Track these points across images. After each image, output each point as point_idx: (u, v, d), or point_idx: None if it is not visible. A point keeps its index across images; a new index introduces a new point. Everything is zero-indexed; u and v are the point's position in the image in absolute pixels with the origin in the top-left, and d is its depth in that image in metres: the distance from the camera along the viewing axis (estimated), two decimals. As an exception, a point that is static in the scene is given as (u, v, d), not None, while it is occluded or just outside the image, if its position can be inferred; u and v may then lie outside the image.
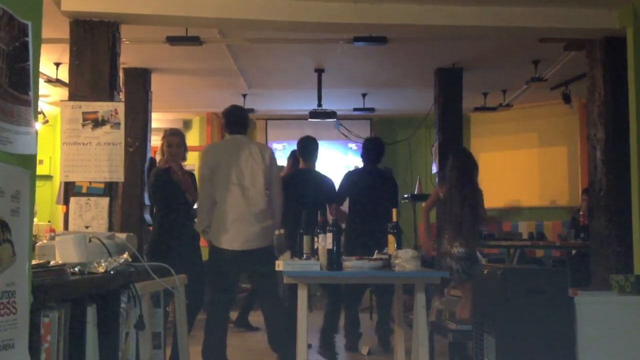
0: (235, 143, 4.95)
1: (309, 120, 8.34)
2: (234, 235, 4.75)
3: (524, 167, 9.79)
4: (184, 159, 5.47)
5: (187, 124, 10.56)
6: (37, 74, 1.84)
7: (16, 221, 1.68)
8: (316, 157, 6.05)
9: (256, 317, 6.78)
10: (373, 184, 6.15)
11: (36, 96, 1.84)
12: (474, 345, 3.93)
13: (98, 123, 4.96)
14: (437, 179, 7.66)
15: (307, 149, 6.02)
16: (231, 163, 4.83)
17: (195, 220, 5.16)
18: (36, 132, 1.81)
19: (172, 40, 6.11)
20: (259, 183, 4.84)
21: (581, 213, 7.51)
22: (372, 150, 6.31)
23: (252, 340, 6.74)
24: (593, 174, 5.68)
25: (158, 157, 5.73)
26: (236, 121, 5.12)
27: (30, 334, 1.72)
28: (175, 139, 5.40)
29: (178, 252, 4.98)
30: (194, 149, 10.35)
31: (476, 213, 5.39)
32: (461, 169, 5.52)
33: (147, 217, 6.80)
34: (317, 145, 6.06)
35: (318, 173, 6.07)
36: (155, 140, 8.67)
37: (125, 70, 7.29)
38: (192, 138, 10.49)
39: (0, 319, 1.60)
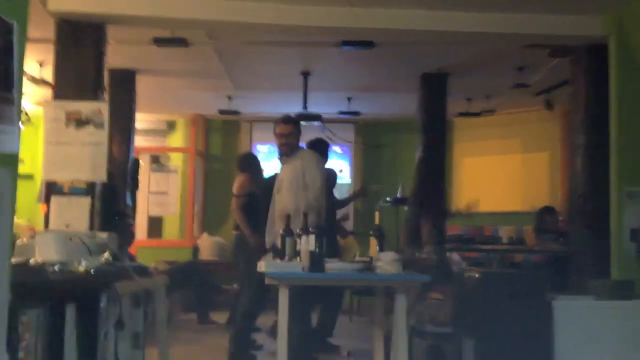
0: None
1: (294, 123, 8.33)
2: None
3: (506, 173, 9.85)
4: None
5: (172, 125, 10.52)
6: (21, 73, 1.85)
7: (-4, 219, 1.69)
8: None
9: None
10: None
11: (20, 95, 1.84)
12: (452, 349, 3.96)
13: (82, 123, 4.95)
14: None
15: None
16: None
17: None
18: (19, 131, 1.81)
19: (158, 41, 6.10)
20: None
21: (561, 218, 7.58)
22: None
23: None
24: (573, 180, 5.74)
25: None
26: None
27: (9, 332, 1.71)
28: None
29: None
30: (178, 150, 10.34)
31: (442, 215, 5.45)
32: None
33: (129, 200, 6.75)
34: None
35: None
36: (139, 141, 8.66)
37: (110, 70, 7.26)
38: (177, 139, 10.46)
39: (-21, 316, 1.60)
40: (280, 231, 4.19)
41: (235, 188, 6.52)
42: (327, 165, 6.38)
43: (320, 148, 6.25)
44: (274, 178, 5.63)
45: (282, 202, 5.16)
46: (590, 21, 5.49)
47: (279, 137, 5.29)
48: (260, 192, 6.13)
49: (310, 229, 3.79)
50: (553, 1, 5.27)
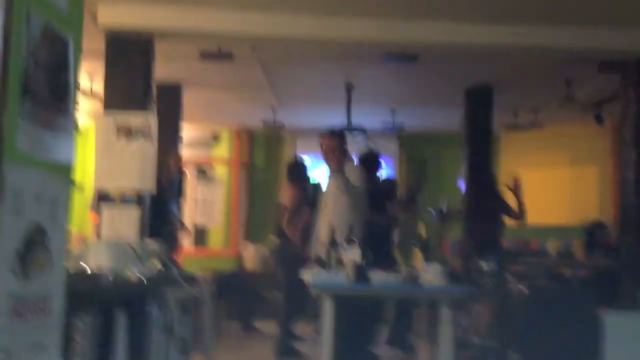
0: None
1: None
2: None
3: (554, 186, 9.69)
4: None
5: (216, 136, 10.64)
6: (76, 85, 1.90)
7: (53, 227, 1.73)
8: None
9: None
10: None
11: (75, 107, 1.89)
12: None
13: (131, 134, 5.06)
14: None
15: None
16: None
17: None
18: (74, 141, 1.85)
19: (205, 56, 6.19)
20: None
21: (611, 233, 7.41)
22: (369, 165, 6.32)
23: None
24: (624, 195, 5.63)
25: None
26: None
27: (64, 338, 1.76)
28: None
29: None
30: (223, 161, 10.45)
31: (499, 227, 5.40)
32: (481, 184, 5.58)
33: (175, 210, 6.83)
34: None
35: None
36: (185, 152, 8.78)
37: (158, 84, 7.40)
38: (221, 151, 10.57)
39: (36, 321, 1.64)
40: (326, 243, 4.20)
41: (286, 200, 6.54)
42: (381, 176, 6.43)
43: (372, 160, 6.27)
44: (318, 187, 5.66)
45: (327, 215, 5.17)
46: (640, 35, 5.40)
47: (325, 152, 5.30)
48: (306, 201, 6.15)
49: (355, 241, 3.79)
50: (602, 15, 5.19)
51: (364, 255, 3.71)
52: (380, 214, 5.92)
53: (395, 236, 6.70)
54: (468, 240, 5.82)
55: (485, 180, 5.68)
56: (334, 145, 5.26)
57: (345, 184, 5.11)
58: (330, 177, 5.38)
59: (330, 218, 5.04)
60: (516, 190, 5.91)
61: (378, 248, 5.28)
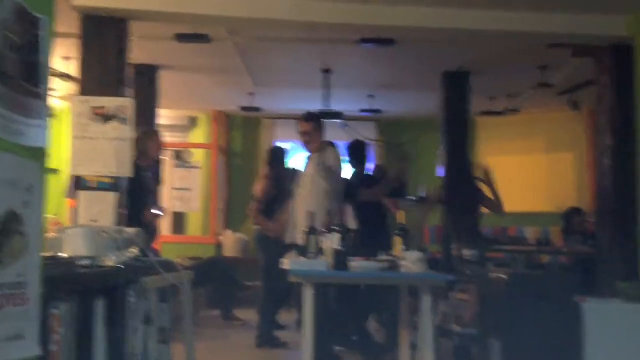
0: None
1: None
2: None
3: (530, 173, 9.76)
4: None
5: (194, 121, 10.55)
6: (49, 67, 1.85)
7: (28, 213, 1.69)
8: None
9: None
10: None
11: (47, 90, 1.84)
12: (479, 350, 3.92)
13: (107, 118, 4.98)
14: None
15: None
16: None
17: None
18: (48, 125, 1.81)
19: (180, 37, 6.12)
20: None
21: (589, 220, 7.49)
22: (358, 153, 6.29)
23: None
24: (600, 181, 5.67)
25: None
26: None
27: (41, 325, 1.72)
28: None
29: None
30: (200, 146, 10.36)
31: (477, 213, 5.41)
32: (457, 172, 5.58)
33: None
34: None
35: None
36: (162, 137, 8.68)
37: (134, 66, 7.29)
38: (199, 135, 10.49)
39: (12, 309, 1.60)
40: (304, 229, 4.18)
41: (256, 191, 6.51)
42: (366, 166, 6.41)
43: (360, 149, 6.24)
44: (296, 173, 5.63)
45: (304, 198, 5.14)
46: (615, 21, 5.43)
47: (302, 135, 5.28)
48: (283, 190, 6.12)
49: (334, 227, 3.77)
50: (576, 1, 5.21)
51: (354, 243, 3.70)
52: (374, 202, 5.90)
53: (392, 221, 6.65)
54: (448, 228, 5.81)
55: (462, 168, 5.66)
56: (310, 128, 5.24)
57: (324, 167, 5.08)
58: (308, 160, 5.36)
59: (308, 203, 5.02)
60: (488, 181, 5.85)
61: (374, 235, 5.27)
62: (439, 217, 7.33)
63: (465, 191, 5.50)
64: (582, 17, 5.43)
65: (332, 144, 5.63)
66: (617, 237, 5.46)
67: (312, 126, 5.31)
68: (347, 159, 6.17)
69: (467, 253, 5.29)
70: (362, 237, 5.02)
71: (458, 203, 5.48)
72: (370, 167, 6.90)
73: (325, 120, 8.18)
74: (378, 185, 6.04)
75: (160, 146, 5.95)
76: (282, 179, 6.43)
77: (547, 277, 4.29)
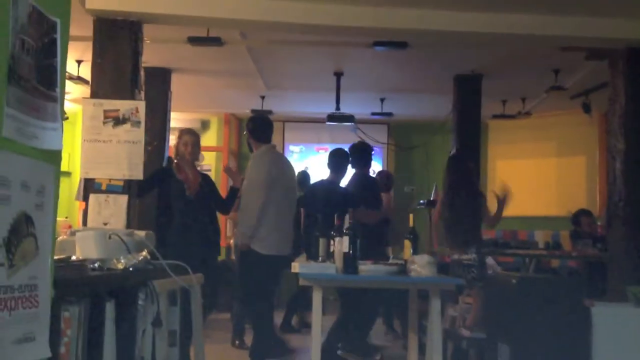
0: (280, 154, 5.35)
1: (327, 123, 8.34)
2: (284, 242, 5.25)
3: (541, 176, 9.72)
4: (197, 159, 5.45)
5: (205, 124, 10.59)
6: (64, 70, 1.86)
7: (40, 216, 1.70)
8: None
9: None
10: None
11: (63, 93, 1.85)
12: (488, 353, 3.91)
13: (119, 121, 5.00)
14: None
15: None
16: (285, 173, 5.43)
17: (241, 224, 5.34)
18: (62, 128, 1.82)
19: (193, 40, 6.15)
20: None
21: (599, 224, 7.45)
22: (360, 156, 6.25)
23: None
24: (612, 185, 5.64)
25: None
26: (269, 129, 5.54)
27: (51, 327, 1.73)
28: (192, 138, 5.33)
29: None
30: (211, 149, 10.40)
31: (478, 218, 5.38)
32: (459, 172, 5.54)
33: None
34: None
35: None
36: (174, 140, 8.72)
37: (146, 69, 7.33)
38: (210, 138, 10.52)
39: (23, 312, 1.61)
40: (315, 232, 4.19)
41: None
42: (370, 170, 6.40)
43: (363, 152, 6.21)
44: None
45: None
46: (629, 23, 5.40)
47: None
48: None
49: (344, 231, 3.77)
50: (590, 4, 5.18)
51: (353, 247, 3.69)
52: (372, 209, 5.83)
53: (390, 232, 6.58)
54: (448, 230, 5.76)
55: (465, 171, 5.60)
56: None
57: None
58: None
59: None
60: (503, 200, 5.77)
61: (368, 245, 5.21)
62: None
63: (465, 195, 5.47)
64: (596, 20, 5.41)
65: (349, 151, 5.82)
66: (627, 241, 5.42)
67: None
68: (350, 160, 6.14)
69: (465, 257, 5.25)
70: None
71: (458, 207, 5.45)
72: (372, 170, 6.83)
73: (335, 123, 8.21)
74: (374, 212, 5.96)
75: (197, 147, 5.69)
76: None
77: (556, 281, 4.26)
